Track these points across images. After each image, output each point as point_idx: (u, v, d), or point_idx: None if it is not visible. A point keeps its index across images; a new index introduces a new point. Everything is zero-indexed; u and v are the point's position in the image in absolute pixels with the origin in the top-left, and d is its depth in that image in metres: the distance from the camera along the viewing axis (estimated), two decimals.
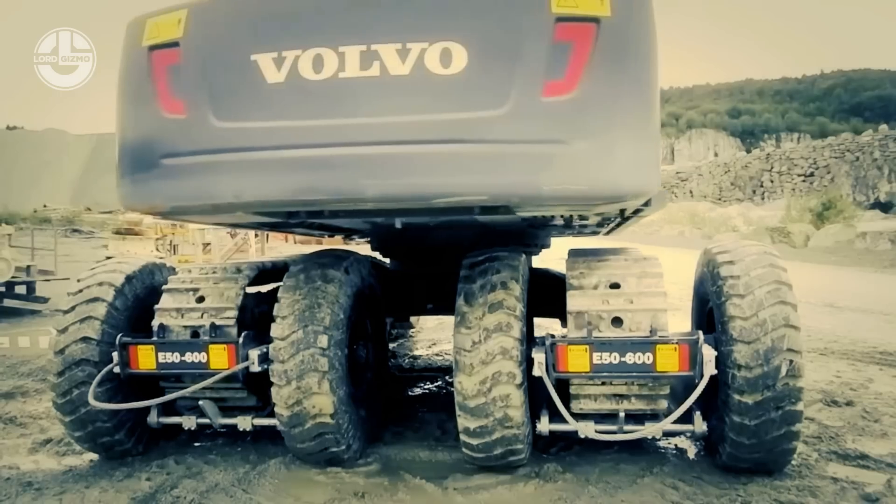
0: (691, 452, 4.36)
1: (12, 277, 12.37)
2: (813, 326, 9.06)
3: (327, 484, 3.96)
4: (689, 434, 4.08)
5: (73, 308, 4.28)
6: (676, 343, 3.67)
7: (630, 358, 3.67)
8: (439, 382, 6.46)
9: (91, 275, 4.48)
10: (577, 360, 3.72)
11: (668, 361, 3.66)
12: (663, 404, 3.89)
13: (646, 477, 3.92)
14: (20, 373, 7.12)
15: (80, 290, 4.36)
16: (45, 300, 13.03)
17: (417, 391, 6.18)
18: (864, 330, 9.06)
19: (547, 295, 4.74)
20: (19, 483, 4.07)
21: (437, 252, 5.76)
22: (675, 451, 4.38)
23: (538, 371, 3.72)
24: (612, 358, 3.69)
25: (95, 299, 4.28)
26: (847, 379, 6.26)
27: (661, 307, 3.89)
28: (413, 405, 5.61)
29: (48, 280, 13.74)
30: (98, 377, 4.04)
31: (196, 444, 4.71)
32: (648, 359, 3.67)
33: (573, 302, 3.99)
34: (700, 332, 3.75)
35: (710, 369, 3.59)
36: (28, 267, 13.18)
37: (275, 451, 4.43)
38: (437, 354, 8.09)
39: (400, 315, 7.05)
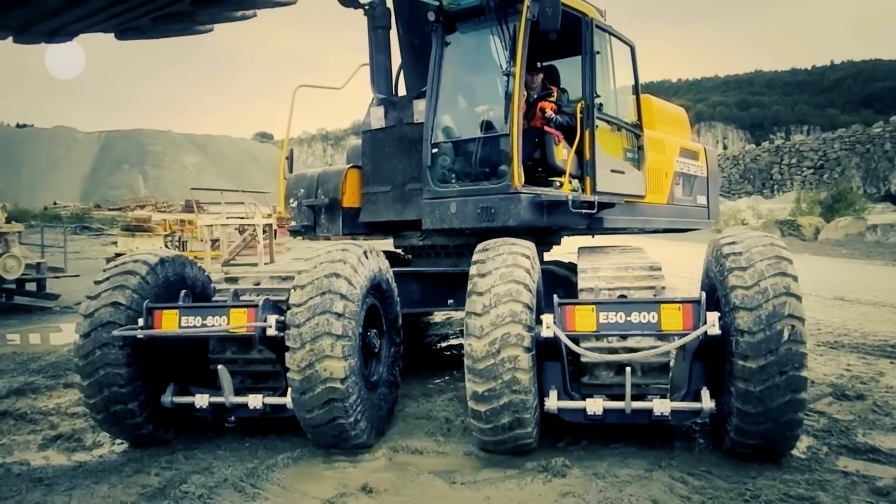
0: (700, 446, 4.35)
1: (22, 275, 12.45)
2: (823, 320, 9.00)
3: (335, 478, 3.97)
4: (697, 412, 4.06)
5: (106, 278, 4.53)
6: (680, 303, 3.93)
7: (635, 317, 3.90)
8: (447, 377, 6.46)
9: (129, 254, 4.84)
10: (584, 320, 3.96)
11: (673, 320, 3.88)
12: (668, 373, 4.19)
13: (654, 471, 3.90)
14: (30, 369, 7.17)
15: (117, 265, 4.65)
16: (55, 297, 13.12)
17: (426, 386, 6.17)
18: (875, 323, 8.98)
19: (556, 289, 4.83)
20: (29, 479, 4.11)
21: (461, 251, 5.99)
22: (683, 445, 4.37)
23: (547, 332, 3.89)
24: (617, 317, 3.92)
25: (130, 272, 4.55)
26: (857, 372, 6.21)
27: (661, 286, 4.34)
28: (421, 400, 5.60)
29: (58, 277, 13.84)
30: (121, 330, 4.26)
31: (204, 440, 4.73)
32: (654, 318, 3.90)
33: (583, 283, 4.40)
34: (703, 293, 3.95)
35: (713, 330, 3.76)
36: (38, 264, 13.25)
37: (283, 447, 4.44)
38: (445, 350, 8.10)
39: (420, 310, 7.11)
